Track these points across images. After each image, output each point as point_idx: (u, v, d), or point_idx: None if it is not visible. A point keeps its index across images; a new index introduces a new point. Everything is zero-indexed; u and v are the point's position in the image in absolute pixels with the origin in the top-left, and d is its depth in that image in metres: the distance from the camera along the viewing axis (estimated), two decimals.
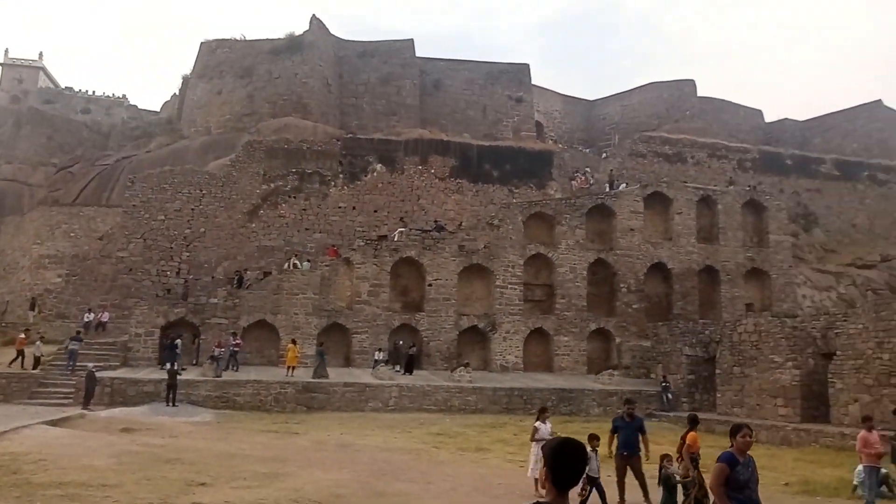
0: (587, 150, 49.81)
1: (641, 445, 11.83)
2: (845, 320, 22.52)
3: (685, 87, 56.34)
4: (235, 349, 28.55)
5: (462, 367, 28.67)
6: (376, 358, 29.52)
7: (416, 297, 33.63)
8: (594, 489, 10.65)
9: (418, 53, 47.41)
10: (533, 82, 50.14)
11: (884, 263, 43.57)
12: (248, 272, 34.82)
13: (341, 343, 31.45)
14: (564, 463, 3.14)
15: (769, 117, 60.70)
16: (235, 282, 33.36)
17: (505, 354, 32.85)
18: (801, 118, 59.82)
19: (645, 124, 52.56)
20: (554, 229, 35.01)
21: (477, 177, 41.01)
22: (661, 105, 54.93)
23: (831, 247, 45.20)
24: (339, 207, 38.53)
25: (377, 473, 13.65)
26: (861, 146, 53.08)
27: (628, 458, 11.63)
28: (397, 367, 29.50)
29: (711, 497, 10.20)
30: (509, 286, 33.69)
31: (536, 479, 11.85)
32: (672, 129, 49.09)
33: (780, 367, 23.76)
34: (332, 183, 38.85)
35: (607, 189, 39.88)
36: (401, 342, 31.59)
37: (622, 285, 35.07)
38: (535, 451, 12.11)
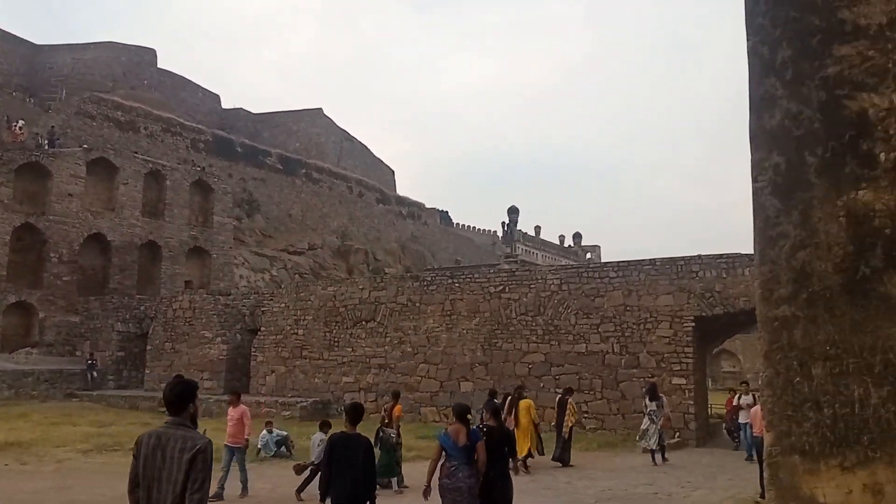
0: (28, 100, 43.49)
1: None
2: (271, 299, 24.85)
3: (146, 55, 54.30)
4: None
5: None
6: None
7: None
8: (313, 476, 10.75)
9: None
10: None
11: (310, 251, 49.74)
12: None
13: None
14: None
15: (226, 104, 62.96)
16: None
17: None
18: (254, 110, 63.74)
19: (98, 84, 48.55)
20: None
21: None
22: (119, 68, 51.66)
23: (269, 233, 49.40)
24: None
25: None
26: (302, 146, 59.45)
27: None
28: None
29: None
30: None
31: None
32: (127, 96, 46.56)
33: (210, 342, 24.83)
34: None
35: (46, 147, 35.42)
36: None
37: (53, 255, 31.62)
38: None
